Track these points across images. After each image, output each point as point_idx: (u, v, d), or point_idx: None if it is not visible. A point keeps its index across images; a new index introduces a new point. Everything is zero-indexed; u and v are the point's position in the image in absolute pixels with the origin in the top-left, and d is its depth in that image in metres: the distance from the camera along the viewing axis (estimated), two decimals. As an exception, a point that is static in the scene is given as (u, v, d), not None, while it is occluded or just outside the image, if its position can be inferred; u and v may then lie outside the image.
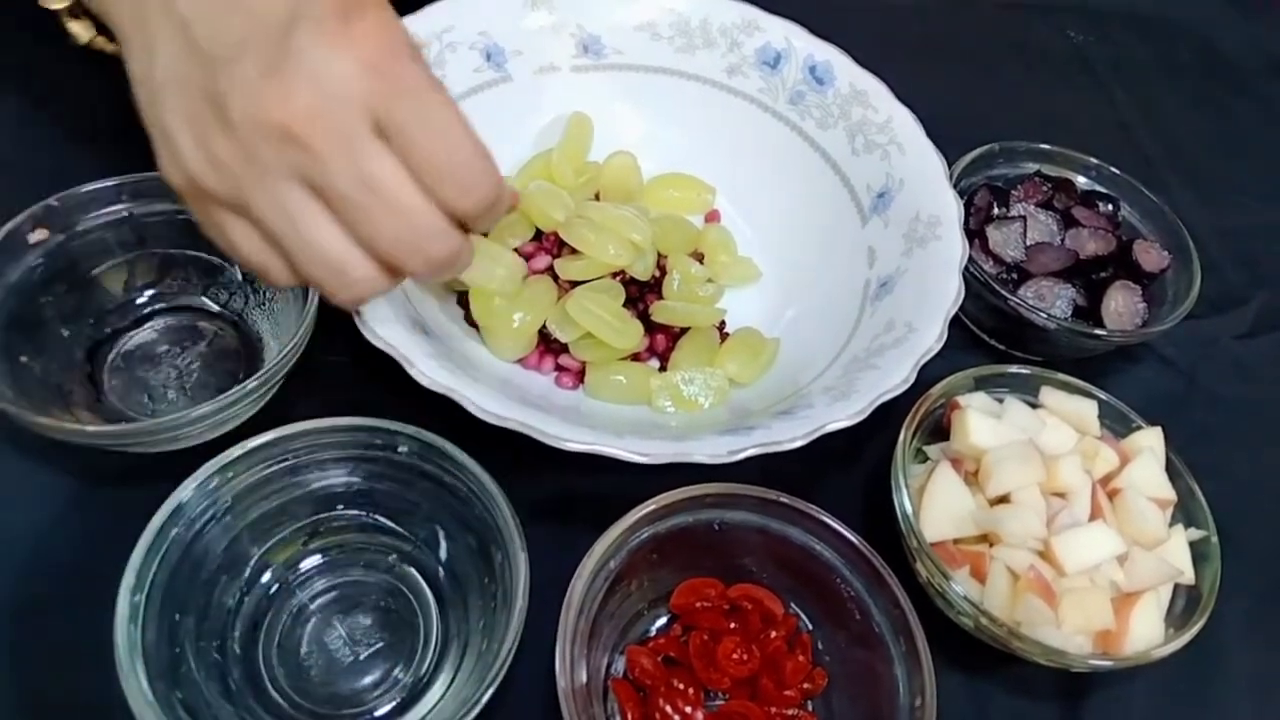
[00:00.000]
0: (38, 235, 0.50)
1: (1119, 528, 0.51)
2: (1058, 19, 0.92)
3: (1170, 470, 0.54)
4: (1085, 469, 0.52)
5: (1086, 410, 0.55)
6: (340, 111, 0.36)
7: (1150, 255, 0.65)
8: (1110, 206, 0.68)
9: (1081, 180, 0.70)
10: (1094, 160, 0.70)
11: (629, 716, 0.45)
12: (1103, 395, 0.56)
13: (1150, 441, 0.54)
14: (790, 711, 0.46)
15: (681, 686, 0.46)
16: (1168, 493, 0.53)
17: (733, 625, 0.48)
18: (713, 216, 0.66)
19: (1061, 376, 0.56)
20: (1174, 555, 0.51)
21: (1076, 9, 0.93)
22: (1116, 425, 0.56)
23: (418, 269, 0.39)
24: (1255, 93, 0.90)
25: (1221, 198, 0.79)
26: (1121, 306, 0.63)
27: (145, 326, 0.54)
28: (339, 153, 0.36)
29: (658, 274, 0.60)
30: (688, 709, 0.45)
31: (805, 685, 0.47)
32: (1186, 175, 0.80)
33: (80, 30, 0.49)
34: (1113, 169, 0.70)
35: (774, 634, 0.48)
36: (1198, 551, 0.51)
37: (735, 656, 0.47)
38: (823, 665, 0.48)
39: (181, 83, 0.36)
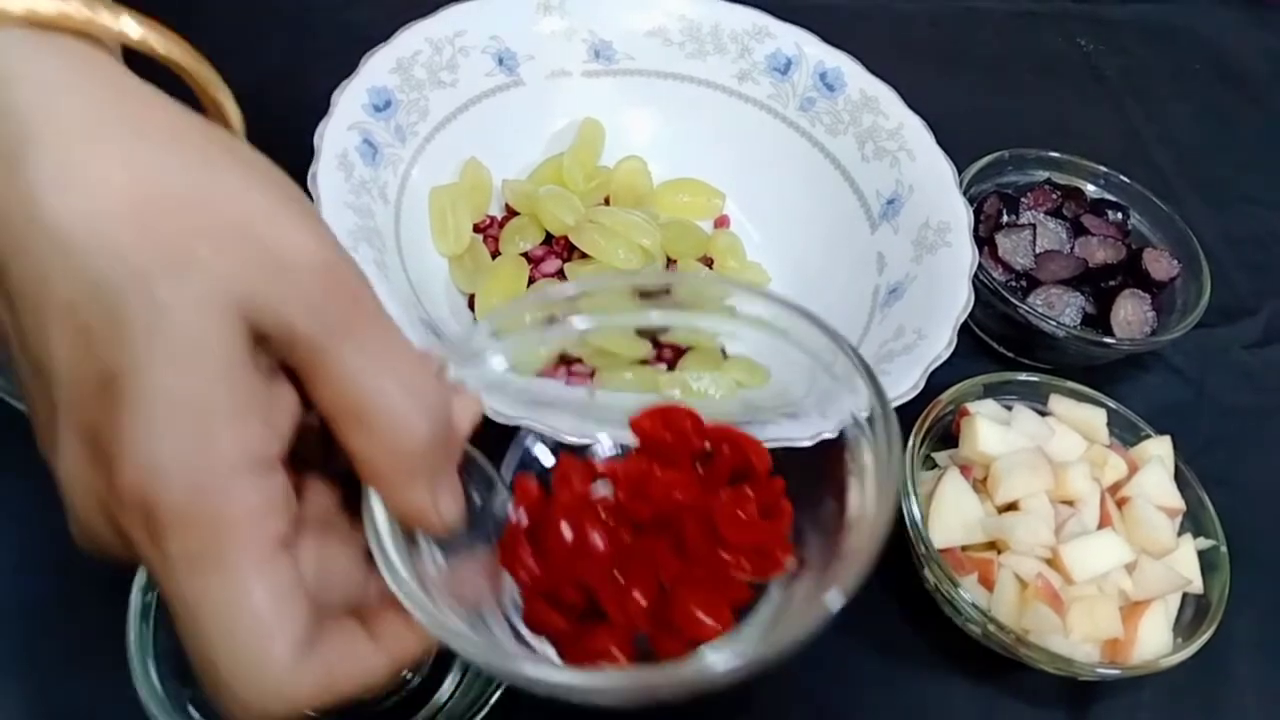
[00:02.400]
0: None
1: (1128, 536, 0.50)
2: (1068, 27, 0.92)
3: (1179, 479, 0.54)
4: (1094, 477, 0.52)
5: (1095, 418, 0.55)
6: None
7: (1160, 264, 0.65)
8: (1120, 215, 0.68)
9: (1091, 188, 0.70)
10: (1104, 168, 0.70)
11: (520, 512, 0.36)
12: (1112, 403, 0.56)
13: (1159, 450, 0.54)
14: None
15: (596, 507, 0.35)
16: (1177, 501, 0.53)
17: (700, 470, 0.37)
18: (722, 222, 0.66)
19: (1071, 384, 0.56)
20: (1182, 564, 0.50)
21: (1087, 17, 0.93)
22: (1125, 433, 0.56)
23: None
24: (1266, 101, 0.90)
25: (1231, 206, 0.79)
26: (1131, 315, 0.63)
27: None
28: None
29: (667, 279, 0.60)
30: (591, 531, 0.34)
31: (755, 559, 0.34)
32: (1196, 183, 0.80)
33: None
34: (1122, 177, 0.70)
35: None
36: (1206, 561, 0.51)
37: (672, 491, 0.35)
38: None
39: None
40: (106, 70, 0.28)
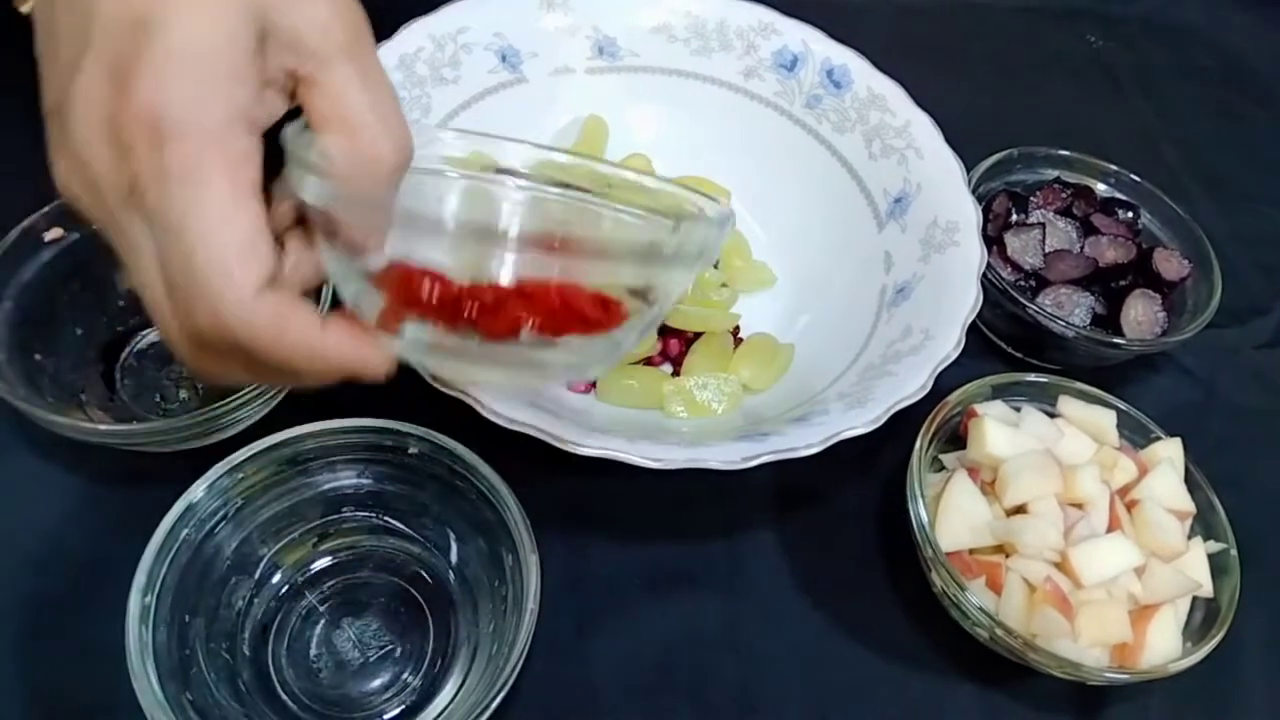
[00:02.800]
0: (52, 234, 0.50)
1: (1137, 539, 0.50)
2: (1078, 24, 0.91)
3: (1189, 482, 0.53)
4: (1103, 479, 0.51)
5: (1105, 420, 0.55)
6: (97, 187, 0.32)
7: (1170, 264, 0.64)
8: (1130, 214, 0.68)
9: (1101, 187, 0.69)
10: (1114, 167, 0.69)
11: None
12: (1121, 405, 0.55)
13: (1169, 452, 0.54)
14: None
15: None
16: (1187, 504, 0.52)
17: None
18: (728, 220, 0.65)
19: (1080, 385, 0.56)
20: (1192, 568, 0.50)
21: (1097, 15, 0.92)
22: (1135, 435, 0.55)
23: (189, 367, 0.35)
24: (1277, 100, 0.89)
25: (1242, 206, 0.78)
26: (1141, 315, 0.62)
27: (158, 326, 0.54)
28: (105, 222, 0.33)
29: (672, 278, 0.59)
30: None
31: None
32: (1207, 183, 0.79)
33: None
34: (1133, 176, 0.69)
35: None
36: (1216, 564, 0.51)
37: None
38: None
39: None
40: None
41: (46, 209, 0.49)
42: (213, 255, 0.31)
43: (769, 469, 0.46)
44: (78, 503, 0.49)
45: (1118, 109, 0.85)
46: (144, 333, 0.54)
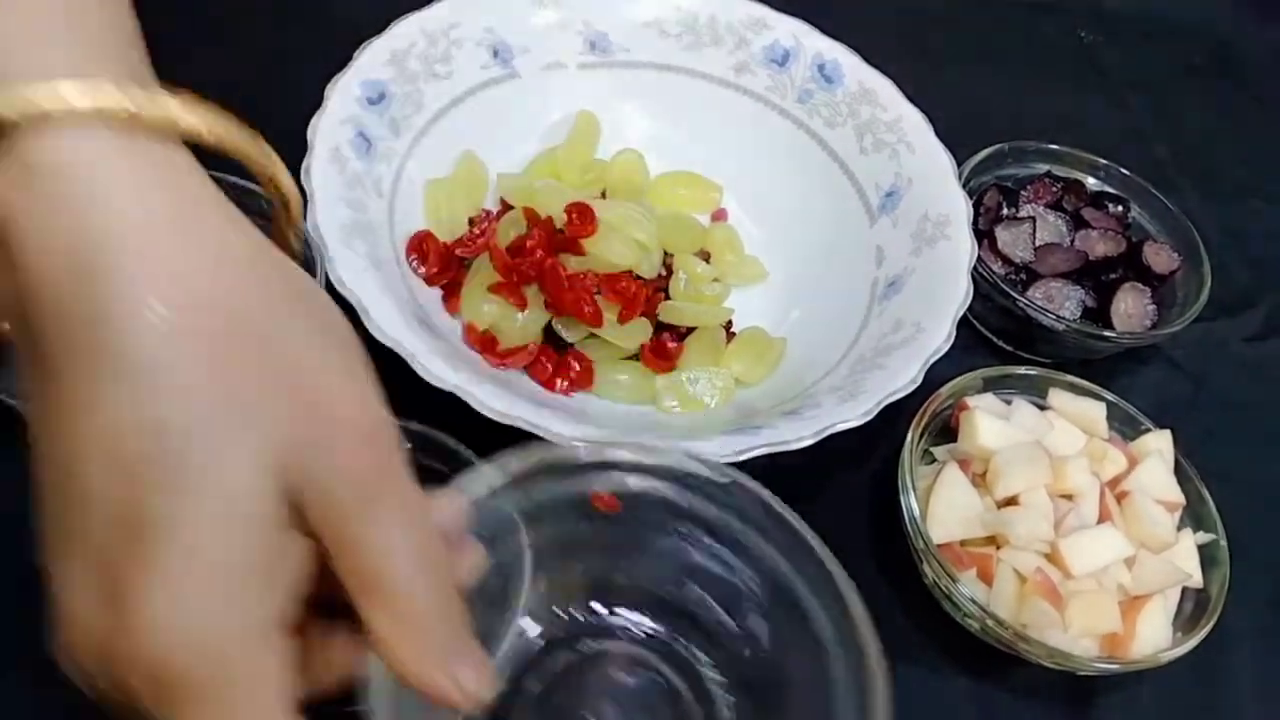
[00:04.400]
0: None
1: (1127, 531, 0.50)
2: (1069, 19, 0.91)
3: (1179, 473, 0.53)
4: (1093, 471, 0.52)
5: (1095, 412, 0.55)
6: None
7: (1160, 257, 0.64)
8: (1120, 208, 0.68)
9: (1091, 181, 0.70)
10: (1104, 161, 0.70)
11: None
12: (1111, 397, 0.56)
13: (1159, 444, 0.54)
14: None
15: None
16: (1176, 496, 0.53)
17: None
18: (719, 215, 0.66)
19: (1070, 378, 0.56)
20: (1182, 559, 0.50)
21: (1087, 9, 0.92)
22: (1125, 427, 0.56)
23: None
24: (1267, 94, 0.89)
25: (1232, 200, 0.78)
26: (1131, 308, 0.63)
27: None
28: None
29: (664, 273, 0.60)
30: None
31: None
32: (1197, 177, 0.79)
33: None
34: (1123, 170, 0.69)
35: None
36: (1206, 555, 0.51)
37: None
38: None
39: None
40: (183, 174, 0.27)
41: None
42: None
43: (761, 462, 0.46)
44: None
45: (1108, 103, 0.85)
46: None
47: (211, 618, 0.24)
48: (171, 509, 0.24)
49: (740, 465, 0.46)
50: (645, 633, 0.40)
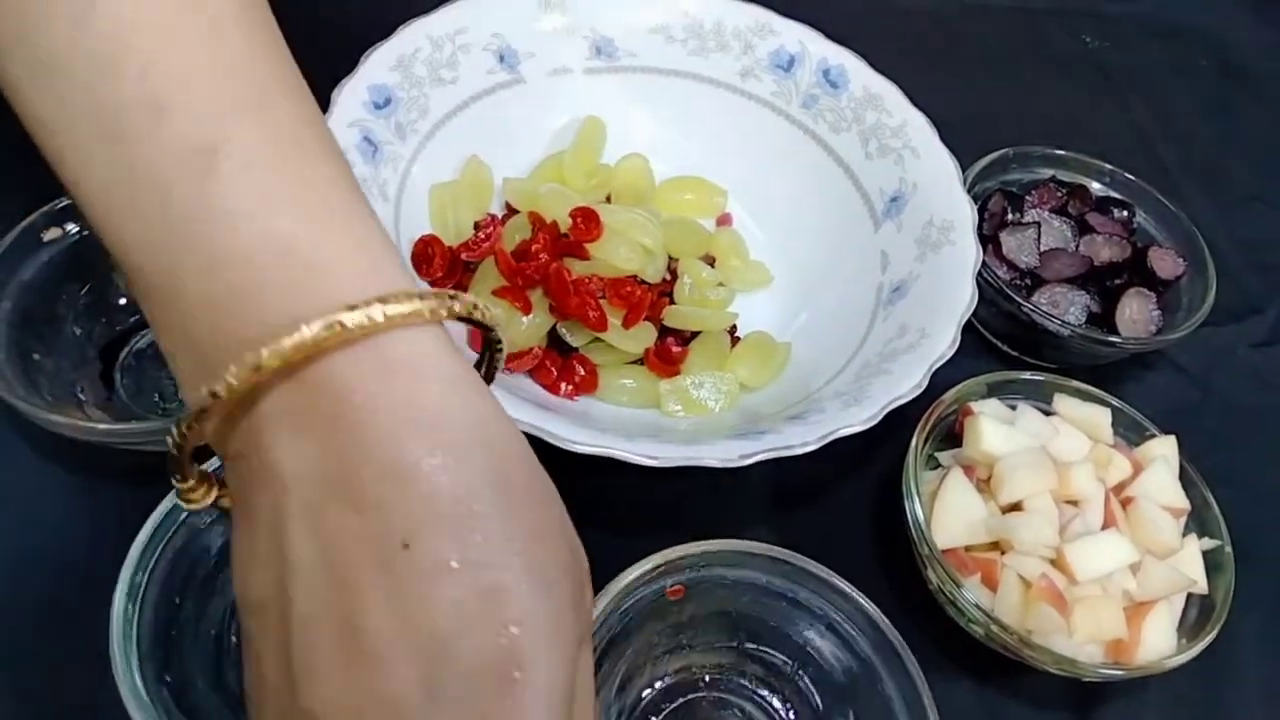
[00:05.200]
0: (51, 234, 0.50)
1: (1132, 536, 0.50)
2: (1073, 24, 0.92)
3: (1184, 479, 0.53)
4: (1098, 477, 0.52)
5: (1100, 418, 0.55)
6: None
7: (1165, 262, 0.64)
8: (1125, 213, 0.68)
9: (1096, 186, 0.70)
10: (1109, 166, 0.70)
11: None
12: (1116, 403, 0.56)
13: (1164, 450, 0.54)
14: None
15: None
16: (1181, 501, 0.52)
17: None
18: (724, 220, 0.66)
19: (1075, 383, 0.56)
20: (1187, 565, 0.50)
21: (1092, 14, 0.93)
22: (1130, 433, 0.56)
23: None
24: (1272, 99, 0.89)
25: (1237, 204, 0.78)
26: (1136, 314, 0.63)
27: (157, 325, 0.54)
28: None
29: (668, 278, 0.60)
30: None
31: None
32: (1202, 182, 0.79)
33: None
34: (1128, 175, 0.69)
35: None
36: (1211, 561, 0.51)
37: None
38: None
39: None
40: (475, 383, 0.28)
41: (46, 209, 0.50)
42: None
43: (766, 467, 0.46)
44: (76, 501, 0.49)
45: (1113, 108, 0.85)
46: (143, 332, 0.54)
47: None
48: (534, 650, 0.25)
49: (745, 470, 0.46)
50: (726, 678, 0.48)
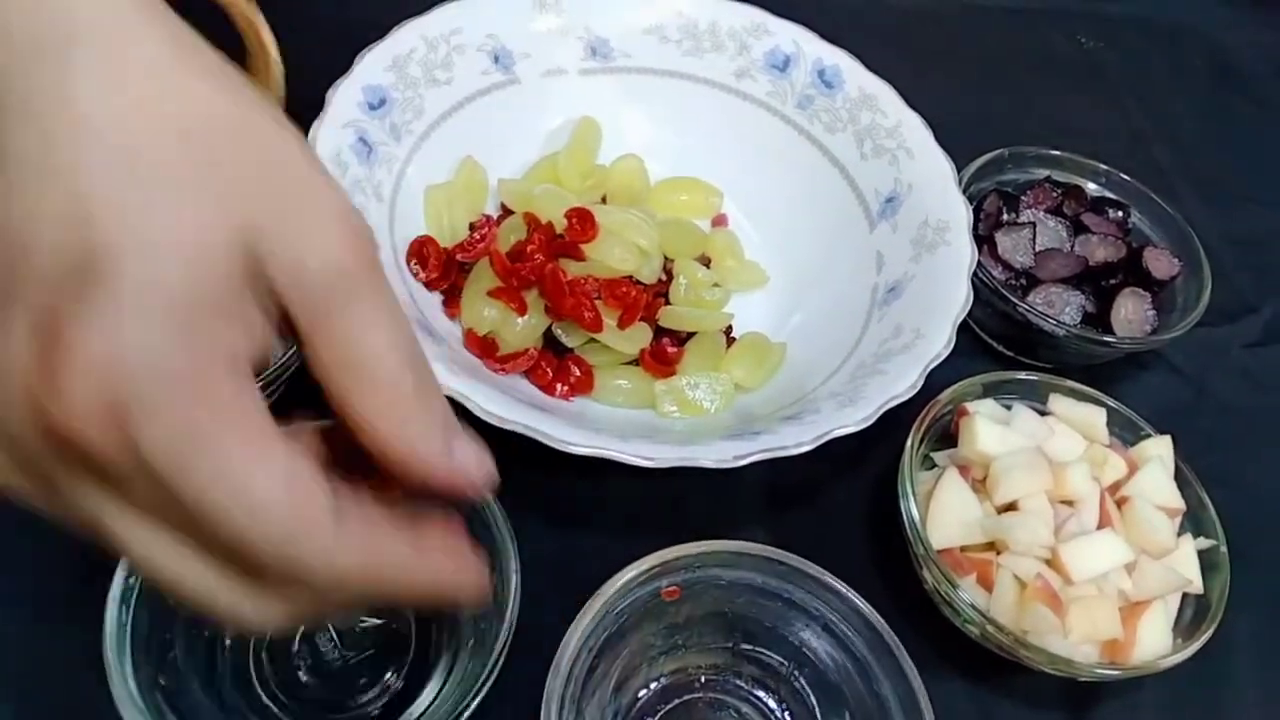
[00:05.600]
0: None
1: (1127, 536, 0.50)
2: (1069, 24, 0.92)
3: (1179, 479, 0.53)
4: (1094, 477, 0.52)
5: (1095, 418, 0.55)
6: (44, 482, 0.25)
7: (1160, 262, 0.64)
8: (1120, 213, 0.68)
9: (1091, 186, 0.70)
10: (1104, 166, 0.70)
11: None
12: (1111, 403, 0.56)
13: (1159, 450, 0.54)
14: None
15: None
16: (1176, 501, 0.52)
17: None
18: (720, 220, 0.66)
19: (1070, 384, 0.56)
20: (1182, 564, 0.50)
21: (1088, 15, 0.93)
22: (1125, 433, 0.56)
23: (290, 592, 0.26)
24: (1267, 100, 0.90)
25: (1232, 205, 0.79)
26: (1131, 314, 0.63)
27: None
28: (59, 509, 0.26)
29: (664, 278, 0.60)
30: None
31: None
32: (1197, 182, 0.79)
33: None
34: (1123, 175, 0.69)
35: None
36: (1206, 561, 0.51)
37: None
38: None
39: None
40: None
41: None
42: (270, 524, 0.24)
43: (761, 467, 0.46)
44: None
45: (1108, 109, 0.85)
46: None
47: (163, 340, 0.23)
48: (122, 244, 0.23)
49: (740, 470, 0.46)
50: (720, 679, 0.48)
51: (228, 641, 0.45)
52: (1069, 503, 0.51)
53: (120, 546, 0.25)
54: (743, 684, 0.47)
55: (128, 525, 0.25)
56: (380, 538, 0.26)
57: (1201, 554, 0.51)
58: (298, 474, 0.24)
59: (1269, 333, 0.70)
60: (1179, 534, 0.52)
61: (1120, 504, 0.52)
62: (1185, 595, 0.50)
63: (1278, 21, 0.97)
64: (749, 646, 0.47)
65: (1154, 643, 0.48)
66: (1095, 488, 0.51)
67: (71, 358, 0.22)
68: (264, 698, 0.44)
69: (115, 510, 0.25)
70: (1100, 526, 0.50)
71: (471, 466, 0.28)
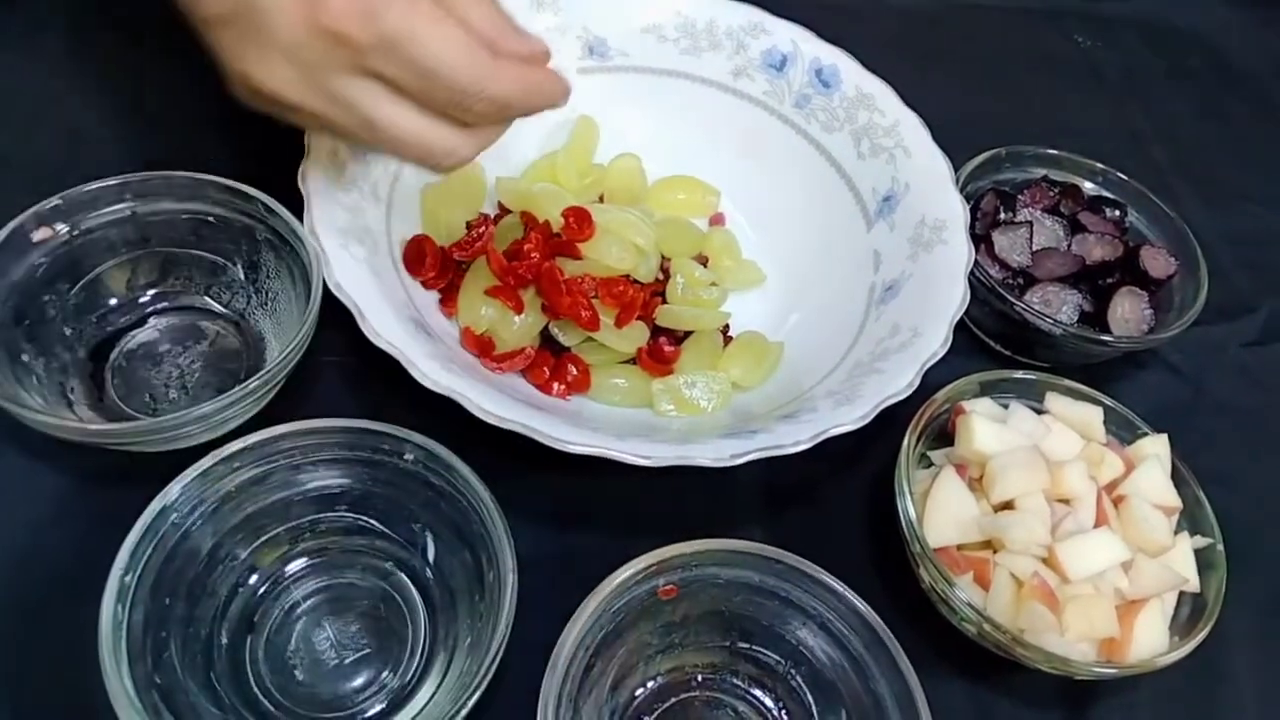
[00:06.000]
0: (41, 234, 0.50)
1: (1124, 535, 0.50)
2: (1066, 24, 0.92)
3: (1176, 477, 0.53)
4: (1090, 475, 0.52)
5: (1092, 416, 0.55)
6: (314, 71, 0.40)
7: (1157, 261, 0.65)
8: (1117, 212, 0.68)
9: (1088, 185, 0.70)
10: (1101, 165, 0.70)
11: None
12: (1108, 401, 0.56)
13: (1156, 448, 0.54)
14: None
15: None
16: (1173, 500, 0.52)
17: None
18: (717, 219, 0.66)
19: (1067, 382, 0.56)
20: (1179, 563, 0.50)
21: (1085, 14, 0.93)
22: (1122, 431, 0.56)
23: (479, 117, 0.44)
24: (1263, 99, 0.90)
25: (1229, 204, 0.79)
26: (1128, 313, 0.63)
27: (148, 326, 0.54)
28: (315, 100, 0.41)
29: (661, 277, 0.60)
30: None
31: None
32: (1194, 181, 0.79)
33: None
34: (1120, 174, 0.69)
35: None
36: (1203, 559, 0.51)
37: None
38: None
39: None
40: None
41: (35, 209, 0.49)
42: (461, 60, 0.41)
43: (758, 466, 0.46)
44: (67, 502, 0.49)
45: (1105, 108, 0.85)
46: (134, 333, 0.54)
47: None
48: None
49: (737, 469, 0.46)
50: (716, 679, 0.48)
51: (224, 640, 0.45)
52: (1066, 501, 0.51)
53: (377, 119, 0.42)
54: (739, 682, 0.47)
55: (381, 101, 0.41)
56: (524, 70, 0.44)
57: (1198, 552, 0.51)
58: (472, 39, 0.41)
59: (1266, 332, 0.70)
60: (1176, 533, 0.52)
61: (1117, 503, 0.52)
62: (1182, 594, 0.50)
63: (1277, 21, 0.97)
64: (746, 645, 0.47)
65: (1151, 641, 0.48)
66: (1092, 486, 0.51)
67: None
68: (260, 697, 0.44)
69: (372, 92, 0.41)
70: (1097, 525, 0.50)
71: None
